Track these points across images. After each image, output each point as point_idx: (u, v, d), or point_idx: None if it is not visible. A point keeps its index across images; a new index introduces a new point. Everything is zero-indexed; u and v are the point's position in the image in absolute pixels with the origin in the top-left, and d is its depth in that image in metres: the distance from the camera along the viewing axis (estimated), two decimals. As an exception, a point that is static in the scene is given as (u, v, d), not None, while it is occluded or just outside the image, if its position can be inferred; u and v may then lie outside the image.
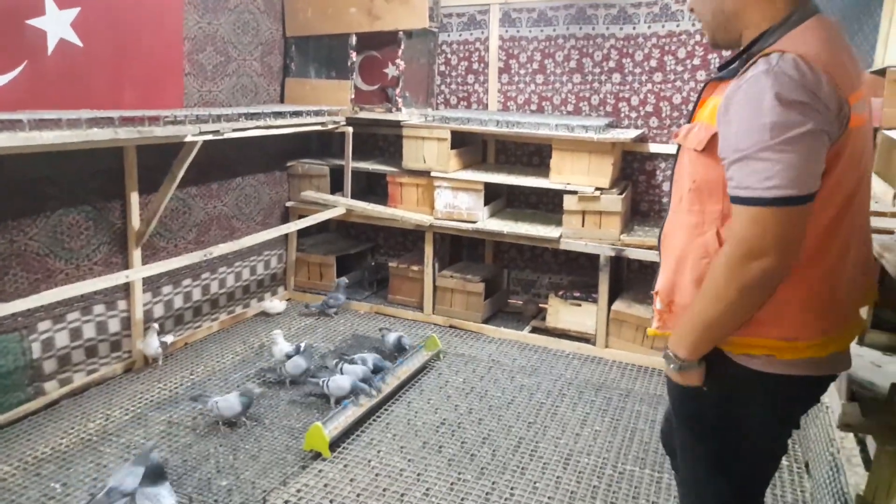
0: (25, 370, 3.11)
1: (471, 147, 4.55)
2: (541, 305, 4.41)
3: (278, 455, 2.86)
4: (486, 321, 4.33)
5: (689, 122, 1.44)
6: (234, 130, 3.49)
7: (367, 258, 5.14)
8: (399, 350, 3.63)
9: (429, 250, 4.36)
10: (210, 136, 3.34)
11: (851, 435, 2.22)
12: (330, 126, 4.37)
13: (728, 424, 1.40)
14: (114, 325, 3.55)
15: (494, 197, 4.42)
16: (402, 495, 2.60)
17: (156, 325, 3.62)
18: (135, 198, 3.50)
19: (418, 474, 2.74)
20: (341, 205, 4.54)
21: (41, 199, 3.10)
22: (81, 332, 3.38)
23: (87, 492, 2.58)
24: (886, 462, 1.66)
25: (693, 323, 1.32)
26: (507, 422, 3.16)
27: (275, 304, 4.54)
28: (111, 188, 3.42)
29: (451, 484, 2.68)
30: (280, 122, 3.89)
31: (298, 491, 2.63)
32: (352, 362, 3.41)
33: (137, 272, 3.39)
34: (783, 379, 1.33)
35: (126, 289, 3.56)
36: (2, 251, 2.95)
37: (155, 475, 2.37)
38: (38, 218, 3.10)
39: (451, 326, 4.32)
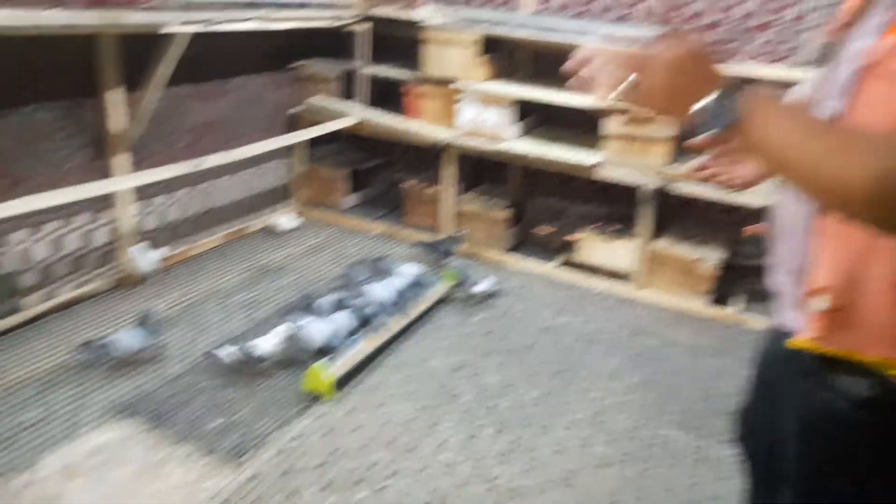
0: (2, 283, 2.80)
1: (502, 55, 4.01)
2: (572, 238, 4.02)
3: (277, 394, 2.58)
4: (509, 251, 3.96)
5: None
6: (228, 22, 3.00)
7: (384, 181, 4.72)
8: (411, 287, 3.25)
9: (448, 170, 3.93)
10: (197, 28, 2.86)
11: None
12: (341, 22, 3.84)
13: (882, 467, 1.05)
14: (101, 237, 3.21)
15: (526, 114, 3.93)
16: (413, 449, 2.33)
17: (145, 242, 3.29)
18: (114, 96, 3.05)
19: (431, 425, 2.46)
20: (352, 114, 4.08)
21: (7, 94, 2.68)
22: (64, 243, 3.05)
23: (65, 419, 2.33)
24: None
25: (791, 128, 0.82)
26: (531, 368, 2.85)
27: (285, 220, 4.16)
28: (93, 83, 2.98)
29: (469, 438, 2.40)
30: (283, 14, 3.38)
31: (298, 436, 2.36)
32: (388, 275, 3.19)
33: (117, 182, 3.02)
34: None
35: (112, 198, 3.19)
36: (-34, 150, 2.58)
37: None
38: (5, 116, 2.69)
39: (470, 256, 3.96)
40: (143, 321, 2.73)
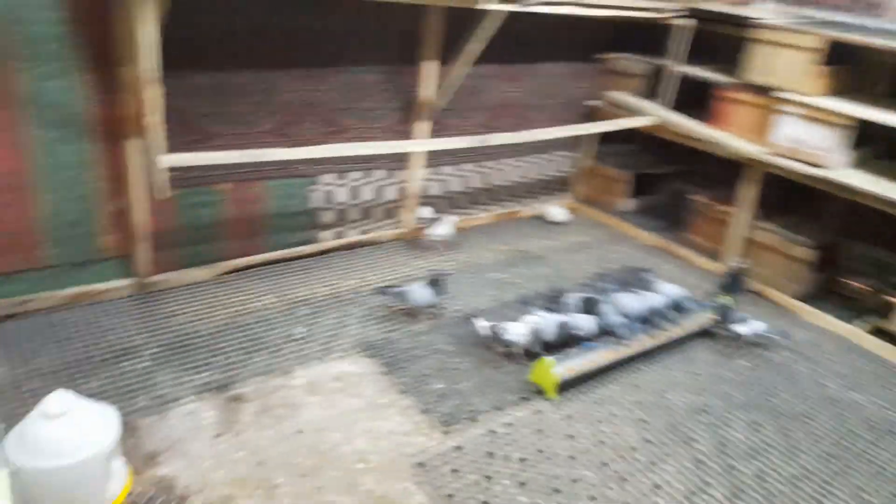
0: (306, 216, 3.25)
1: (848, 67, 3.33)
2: (891, 300, 3.23)
3: (502, 376, 2.55)
4: (806, 299, 3.33)
5: None
6: (544, 5, 2.99)
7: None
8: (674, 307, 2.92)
9: (748, 191, 3.44)
10: (512, 7, 2.89)
11: None
12: (661, 15, 3.58)
13: None
14: (391, 193, 3.53)
15: (865, 141, 3.21)
16: (624, 480, 2.09)
17: (436, 210, 3.52)
18: (430, 67, 3.29)
19: (653, 462, 2.18)
20: (653, 114, 3.81)
21: (341, 53, 3.05)
22: (360, 192, 3.42)
23: (321, 343, 2.62)
24: None
25: None
26: (794, 439, 2.36)
27: (557, 211, 4.12)
28: (411, 53, 3.25)
29: (692, 492, 2.07)
30: (603, 1, 3.26)
31: (510, 424, 2.30)
32: (646, 290, 2.92)
33: (415, 145, 3.25)
34: None
35: (407, 161, 3.48)
36: (303, 99, 3.00)
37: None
38: (337, 72, 3.07)
39: (755, 292, 3.42)
40: (434, 282, 2.85)
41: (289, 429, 2.18)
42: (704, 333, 2.94)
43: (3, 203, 2.42)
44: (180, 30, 2.42)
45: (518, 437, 2.25)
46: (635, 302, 2.82)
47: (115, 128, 2.52)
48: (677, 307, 2.87)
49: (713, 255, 3.66)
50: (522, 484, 2.04)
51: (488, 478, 2.05)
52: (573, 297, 2.85)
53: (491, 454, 2.15)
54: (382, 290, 2.88)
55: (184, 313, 2.71)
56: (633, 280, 3.10)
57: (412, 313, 2.87)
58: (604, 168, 4.26)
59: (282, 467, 2.02)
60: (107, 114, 2.49)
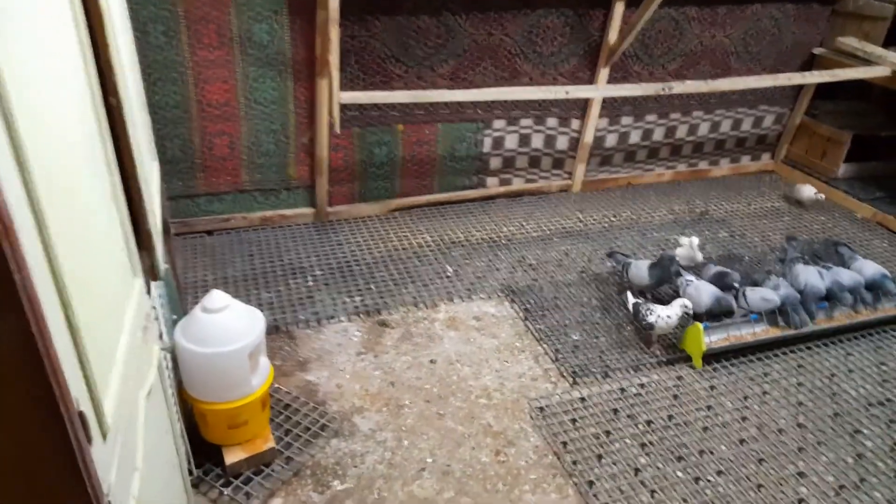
0: (474, 161, 3.32)
1: None
2: None
3: (645, 337, 2.42)
4: None
5: None
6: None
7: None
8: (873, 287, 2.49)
9: None
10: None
11: None
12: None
13: None
14: (562, 143, 3.45)
15: None
16: (762, 461, 1.89)
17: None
18: (619, 9, 3.10)
19: (801, 448, 1.93)
20: (889, 64, 3.22)
21: (523, -3, 3.00)
22: (530, 140, 3.39)
23: (468, 283, 2.70)
24: None
25: None
26: None
27: (805, 189, 3.48)
28: (600, -7, 3.08)
29: (842, 486, 1.81)
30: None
31: (645, 385, 2.19)
32: (839, 266, 2.56)
33: (583, 90, 3.11)
34: None
35: (583, 108, 3.36)
36: (479, 43, 3.02)
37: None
38: (518, 15, 3.03)
39: None
40: (658, 264, 2.56)
41: (423, 357, 2.31)
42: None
43: (218, 131, 2.82)
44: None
45: (650, 399, 2.13)
46: (818, 279, 2.45)
47: (308, 68, 2.79)
48: (874, 288, 2.45)
49: (946, 233, 3.04)
50: (643, 445, 1.95)
51: (608, 433, 1.99)
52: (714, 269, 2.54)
53: (616, 411, 2.08)
54: (610, 254, 2.78)
55: (349, 243, 2.96)
56: (826, 254, 2.71)
57: (625, 285, 2.66)
58: (817, 126, 3.71)
59: (410, 390, 2.16)
60: (302, 54, 2.75)
